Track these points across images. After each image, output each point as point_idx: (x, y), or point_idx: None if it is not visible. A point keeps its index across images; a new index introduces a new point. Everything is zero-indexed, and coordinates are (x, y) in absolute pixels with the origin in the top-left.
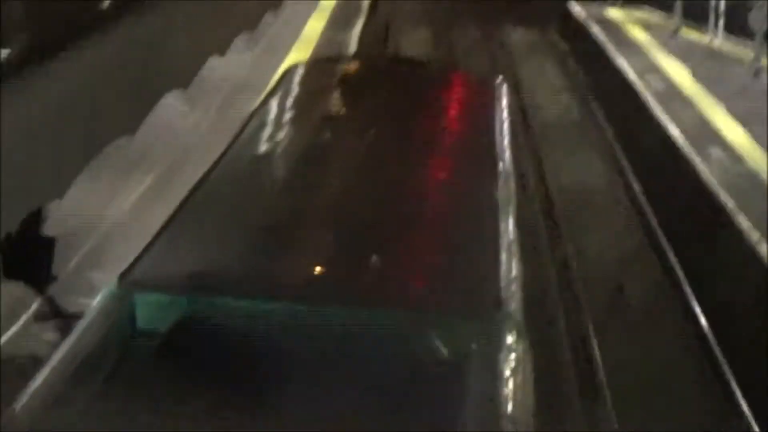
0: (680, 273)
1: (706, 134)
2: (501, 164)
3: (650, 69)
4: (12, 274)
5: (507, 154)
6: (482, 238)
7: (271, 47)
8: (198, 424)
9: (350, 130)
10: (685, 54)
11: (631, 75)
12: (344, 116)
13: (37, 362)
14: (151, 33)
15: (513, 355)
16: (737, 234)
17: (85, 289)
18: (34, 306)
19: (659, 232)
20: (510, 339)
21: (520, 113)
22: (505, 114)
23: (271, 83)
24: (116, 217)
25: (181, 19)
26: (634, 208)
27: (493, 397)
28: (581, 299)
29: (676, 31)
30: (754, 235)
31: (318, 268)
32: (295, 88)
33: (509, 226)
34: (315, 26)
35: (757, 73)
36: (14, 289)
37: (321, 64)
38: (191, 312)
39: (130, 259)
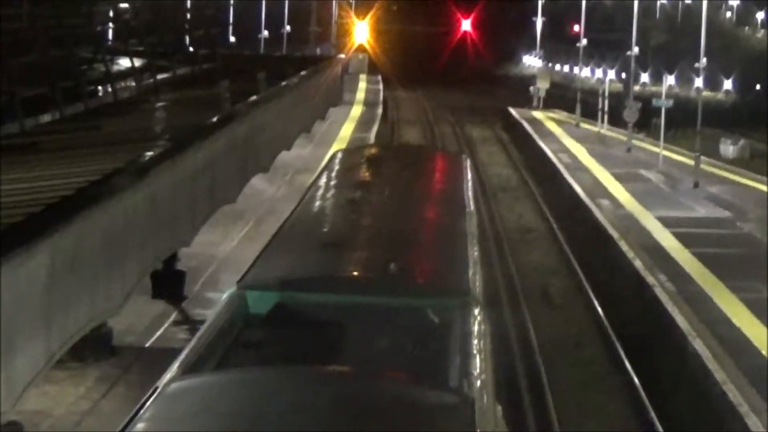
0: (583, 278)
1: (596, 189)
2: (468, 208)
3: (560, 149)
4: (159, 295)
5: (471, 202)
6: (459, 252)
7: (320, 143)
8: (293, 378)
9: (375, 188)
10: (583, 139)
11: (549, 152)
12: (371, 181)
13: (174, 353)
14: (244, 135)
15: (477, 321)
16: (618, 250)
17: (206, 304)
18: (173, 316)
19: (567, 251)
20: (475, 311)
21: (478, 177)
22: (470, 177)
23: (322, 164)
24: (223, 256)
25: (261, 128)
26: (550, 234)
27: (467, 346)
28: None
29: (577, 125)
30: (623, 246)
31: (357, 272)
32: (338, 166)
33: (474, 246)
34: (348, 128)
35: (629, 150)
36: (160, 304)
37: (354, 149)
38: (284, 303)
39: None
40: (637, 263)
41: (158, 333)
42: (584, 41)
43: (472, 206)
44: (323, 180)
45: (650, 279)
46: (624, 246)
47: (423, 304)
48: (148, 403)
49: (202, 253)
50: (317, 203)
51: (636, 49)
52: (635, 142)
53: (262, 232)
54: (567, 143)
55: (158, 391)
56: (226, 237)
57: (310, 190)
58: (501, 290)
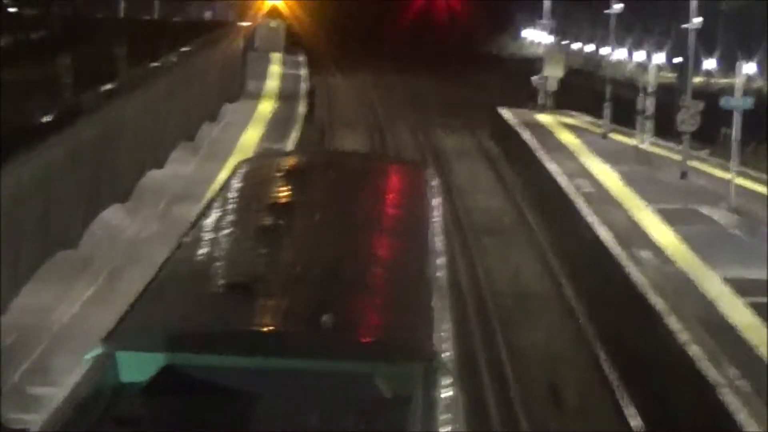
0: (609, 371)
1: (633, 235)
2: (431, 242)
3: (579, 172)
4: None
5: (437, 234)
6: (420, 302)
7: (208, 157)
8: None
9: (299, 212)
10: (614, 157)
11: (560, 177)
12: (292, 201)
13: None
14: (93, 143)
15: (444, 394)
16: (664, 329)
17: (29, 405)
18: None
19: (586, 329)
20: (442, 380)
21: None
22: (435, 198)
23: (219, 179)
24: (59, 328)
25: (119, 132)
26: (560, 302)
27: (431, 429)
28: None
29: (605, 135)
30: (672, 322)
31: (275, 326)
32: (244, 180)
33: (441, 293)
34: (252, 135)
35: (684, 175)
36: None
37: (267, 158)
38: (171, 367)
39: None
40: (693, 350)
41: None
42: (618, 6)
43: (438, 239)
44: (222, 200)
45: (712, 375)
46: (673, 323)
47: (370, 370)
48: None
49: (24, 325)
50: (214, 233)
51: (698, 20)
52: (694, 163)
53: (120, 290)
54: (589, 163)
55: None
56: (63, 298)
57: (204, 215)
58: (485, 389)
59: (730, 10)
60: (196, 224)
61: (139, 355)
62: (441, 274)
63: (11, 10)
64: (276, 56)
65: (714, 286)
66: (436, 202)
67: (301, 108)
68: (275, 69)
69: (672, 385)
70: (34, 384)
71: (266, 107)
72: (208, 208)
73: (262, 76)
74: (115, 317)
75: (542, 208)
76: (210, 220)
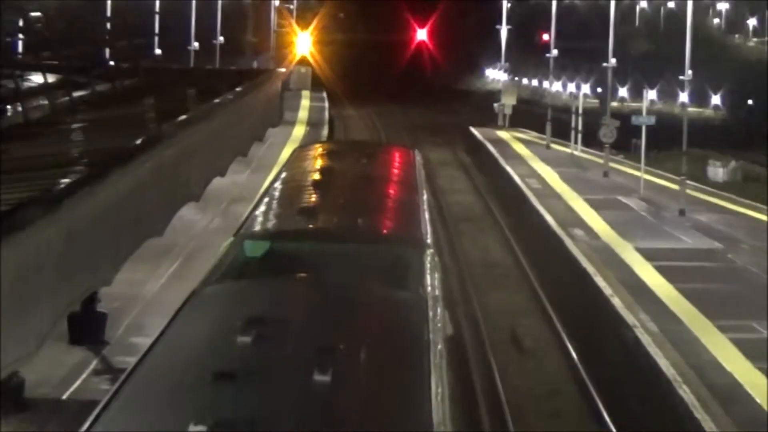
0: (556, 319)
1: (569, 218)
2: (420, 188)
3: (529, 173)
4: (76, 341)
5: (423, 183)
6: (417, 217)
7: (257, 168)
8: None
9: (338, 172)
10: (554, 161)
11: (515, 177)
12: (333, 167)
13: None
14: (172, 160)
15: (431, 262)
16: (594, 287)
17: (129, 351)
18: (93, 364)
19: (538, 288)
20: (431, 257)
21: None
22: (420, 166)
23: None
24: (149, 296)
25: (191, 151)
26: (517, 270)
27: (422, 274)
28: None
29: (547, 146)
30: (600, 282)
31: (337, 226)
32: (301, 157)
33: (426, 214)
34: (289, 152)
35: (606, 174)
36: (79, 352)
37: (313, 146)
38: (270, 247)
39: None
40: (616, 301)
41: (77, 384)
42: (555, 51)
43: (424, 186)
44: (289, 168)
45: (630, 318)
46: (601, 282)
47: (389, 251)
48: (186, 306)
49: (125, 294)
50: (289, 183)
51: (613, 60)
52: (613, 165)
53: (194, 268)
54: (536, 167)
55: (193, 295)
56: (152, 275)
57: (278, 175)
58: (465, 334)
59: (637, 53)
60: (275, 180)
61: (256, 242)
62: (426, 206)
63: (111, 63)
64: (305, 93)
65: (629, 254)
66: (421, 168)
67: (325, 131)
68: (305, 103)
69: (600, 327)
70: (132, 336)
71: (299, 131)
72: (280, 172)
73: (296, 108)
74: (188, 291)
75: (503, 202)
76: (283, 177)
